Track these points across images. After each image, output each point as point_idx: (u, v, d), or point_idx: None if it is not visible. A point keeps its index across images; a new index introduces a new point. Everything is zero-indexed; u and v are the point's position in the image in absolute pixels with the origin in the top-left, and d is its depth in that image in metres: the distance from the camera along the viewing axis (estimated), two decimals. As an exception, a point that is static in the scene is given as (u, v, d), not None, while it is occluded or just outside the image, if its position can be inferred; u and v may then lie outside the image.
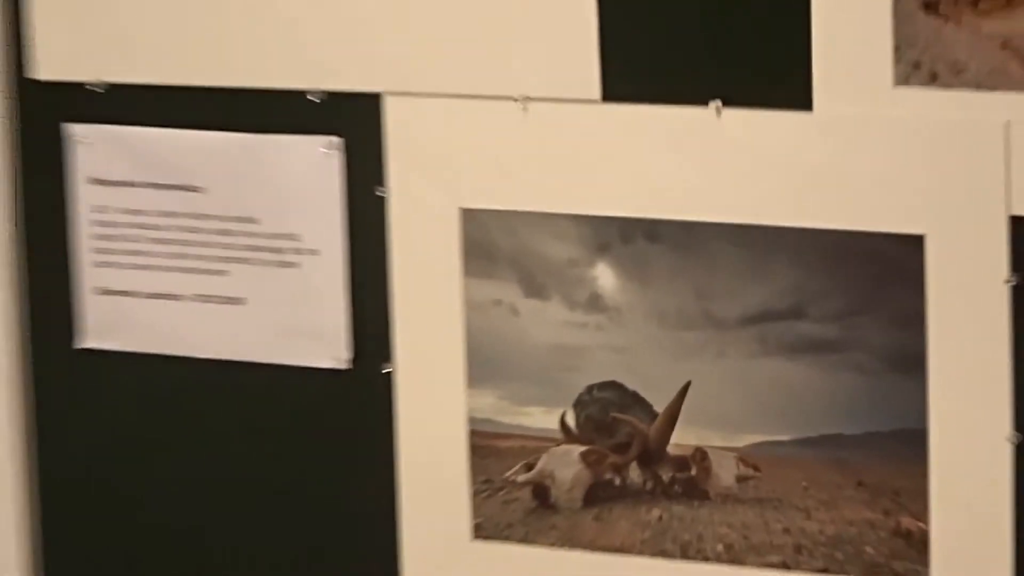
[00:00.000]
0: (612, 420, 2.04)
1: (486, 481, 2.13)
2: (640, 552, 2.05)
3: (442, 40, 2.11)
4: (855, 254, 1.95)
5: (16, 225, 2.42)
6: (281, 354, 2.22)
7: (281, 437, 2.31)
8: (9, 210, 2.42)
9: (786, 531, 1.97)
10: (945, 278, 1.90)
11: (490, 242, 2.11)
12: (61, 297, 2.35)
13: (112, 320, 2.34)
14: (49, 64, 2.32)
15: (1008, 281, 1.85)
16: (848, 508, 1.96)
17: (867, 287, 1.95)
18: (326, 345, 2.21)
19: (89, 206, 2.30)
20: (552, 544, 2.09)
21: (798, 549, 1.97)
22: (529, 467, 2.08)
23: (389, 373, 2.19)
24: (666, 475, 2.02)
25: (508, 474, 2.12)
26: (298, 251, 2.21)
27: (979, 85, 1.87)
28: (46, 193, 2.35)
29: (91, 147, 2.32)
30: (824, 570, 1.97)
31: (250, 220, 2.25)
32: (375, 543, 2.22)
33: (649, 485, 2.04)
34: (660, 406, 2.00)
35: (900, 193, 1.91)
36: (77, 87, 2.29)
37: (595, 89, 1.97)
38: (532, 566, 2.14)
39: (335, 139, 2.16)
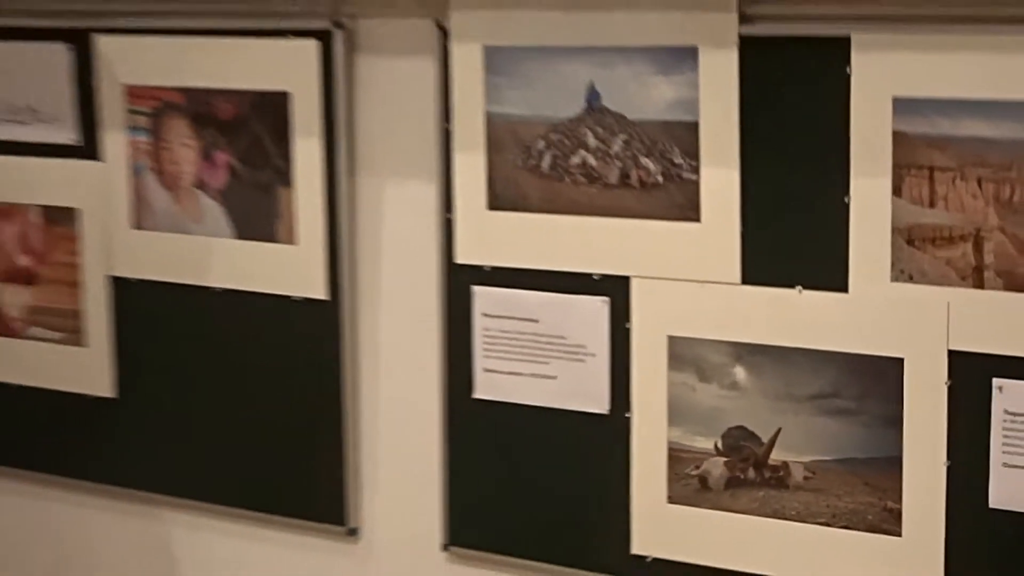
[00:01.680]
0: (740, 445, 2.54)
1: (675, 474, 2.60)
2: (752, 514, 2.54)
3: (657, 251, 2.58)
4: (868, 365, 2.41)
5: (446, 336, 2.88)
6: (575, 404, 2.73)
7: (577, 450, 2.75)
8: (444, 329, 2.88)
9: (828, 506, 2.45)
10: (914, 380, 2.35)
11: (681, 353, 2.58)
12: (465, 372, 2.86)
13: (492, 385, 2.82)
14: (463, 256, 2.80)
15: (946, 382, 2.32)
16: (860, 495, 2.42)
17: (873, 382, 2.40)
18: (597, 401, 2.70)
19: (481, 327, 2.82)
20: (708, 508, 2.57)
21: (834, 515, 2.45)
22: (697, 467, 2.57)
23: (629, 417, 2.66)
24: (767, 474, 2.52)
25: (686, 471, 2.59)
26: (585, 353, 2.73)
27: (932, 283, 2.34)
28: (459, 319, 2.86)
29: (484, 298, 2.80)
30: (847, 527, 2.43)
31: (562, 337, 2.75)
32: (619, 504, 2.69)
33: (758, 479, 2.53)
34: (765, 439, 2.51)
35: (892, 334, 2.39)
36: (476, 267, 2.79)
37: (737, 276, 2.50)
38: (696, 519, 2.59)
39: (606, 298, 2.67)
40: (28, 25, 3.22)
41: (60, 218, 3.24)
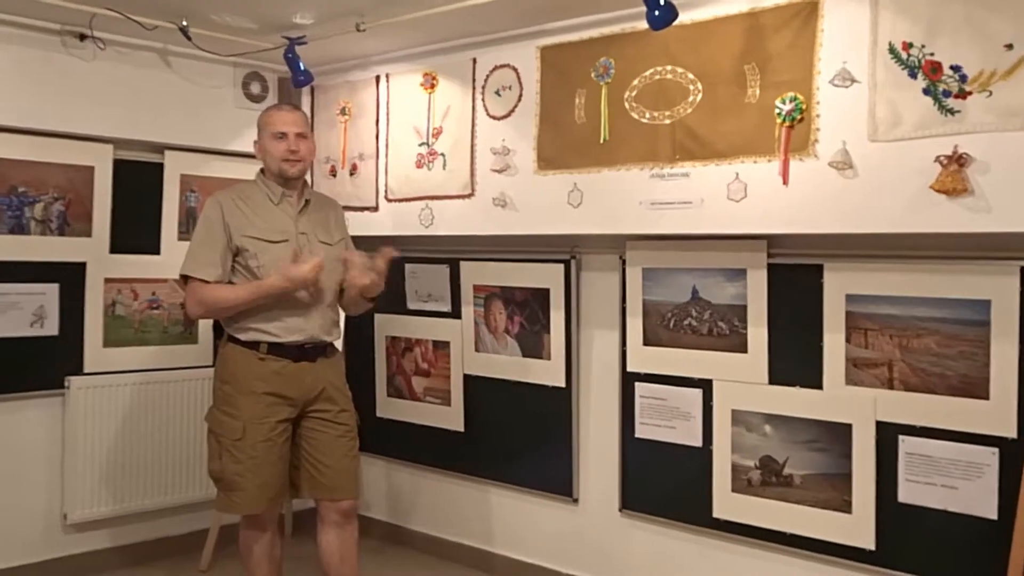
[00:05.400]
0: (768, 464, 2.56)
1: (735, 478, 2.62)
2: (773, 499, 2.54)
3: (726, 367, 2.58)
4: (834, 427, 2.41)
5: (621, 406, 2.82)
6: (685, 442, 2.69)
7: (686, 464, 2.70)
8: (621, 402, 2.83)
9: (812, 496, 2.48)
10: (858, 435, 2.38)
11: (738, 418, 2.59)
12: (631, 424, 2.80)
13: (644, 430, 2.77)
14: (631, 367, 2.77)
15: (875, 437, 2.33)
16: (829, 492, 2.46)
17: (837, 435, 2.42)
18: (695, 440, 2.64)
19: (639, 402, 2.78)
20: (751, 495, 2.58)
21: (815, 501, 2.48)
22: (746, 475, 2.59)
23: (711, 448, 2.61)
24: (781, 480, 2.54)
25: (740, 476, 2.59)
26: (690, 416, 2.67)
27: (867, 386, 2.35)
28: (628, 398, 2.81)
29: (640, 388, 2.78)
30: (822, 508, 2.46)
31: (678, 408, 2.70)
32: (706, 491, 2.66)
33: (777, 482, 2.55)
34: (781, 461, 2.54)
35: (846, 412, 2.38)
36: (637, 373, 2.72)
37: (766, 380, 2.54)
38: (745, 501, 2.59)
39: (700, 389, 2.64)
40: (434, 257, 3.33)
41: (442, 346, 3.35)
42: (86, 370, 3.12)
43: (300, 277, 2.40)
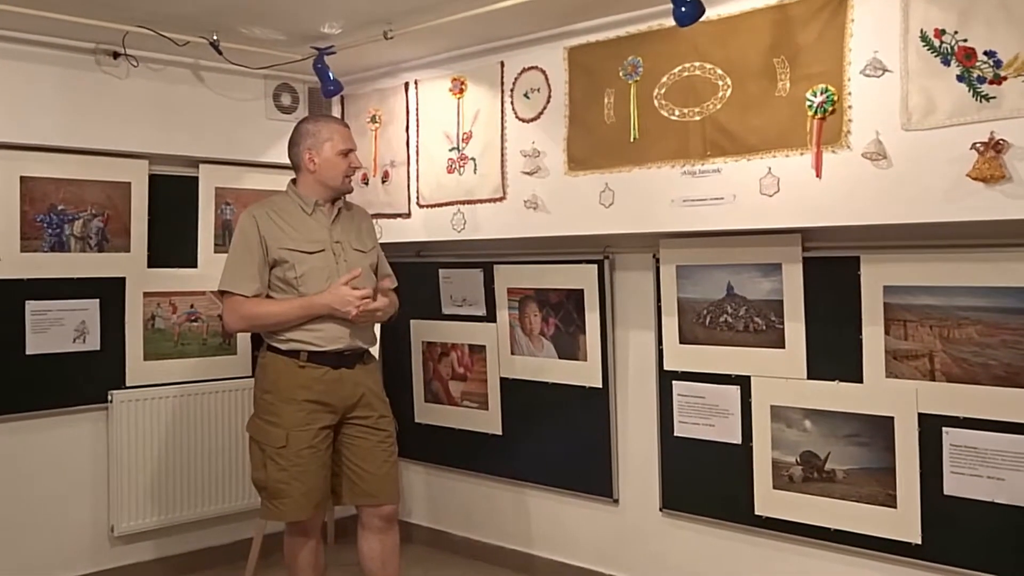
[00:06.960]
0: (809, 460, 2.56)
1: (776, 474, 2.61)
2: (816, 495, 2.54)
3: (763, 363, 2.58)
4: (875, 420, 2.40)
5: (659, 405, 2.83)
6: (724, 439, 2.70)
7: (724, 462, 2.71)
8: (658, 401, 2.84)
9: (855, 492, 2.49)
10: (900, 428, 2.37)
11: (777, 414, 2.59)
12: (670, 422, 2.82)
13: (683, 429, 2.77)
14: (668, 365, 2.78)
15: (917, 429, 2.32)
16: (873, 486, 2.46)
17: (878, 429, 2.42)
18: (734, 437, 2.65)
19: (677, 400, 2.80)
20: (793, 492, 2.59)
21: (859, 497, 2.48)
22: (787, 471, 2.59)
23: (751, 445, 2.60)
24: (823, 475, 2.54)
25: (782, 473, 2.60)
26: (728, 414, 2.68)
27: (907, 378, 2.34)
28: (666, 397, 2.82)
29: (678, 387, 2.78)
30: (866, 503, 2.46)
31: (716, 405, 2.71)
32: (747, 489, 2.66)
33: (819, 478, 2.55)
34: (823, 457, 2.54)
35: (887, 404, 2.39)
36: (674, 371, 2.72)
37: (804, 375, 2.54)
38: (787, 497, 2.60)
39: (738, 386, 2.64)
40: (467, 262, 3.37)
41: (478, 350, 3.39)
42: (128, 384, 3.18)
43: (348, 299, 2.46)
